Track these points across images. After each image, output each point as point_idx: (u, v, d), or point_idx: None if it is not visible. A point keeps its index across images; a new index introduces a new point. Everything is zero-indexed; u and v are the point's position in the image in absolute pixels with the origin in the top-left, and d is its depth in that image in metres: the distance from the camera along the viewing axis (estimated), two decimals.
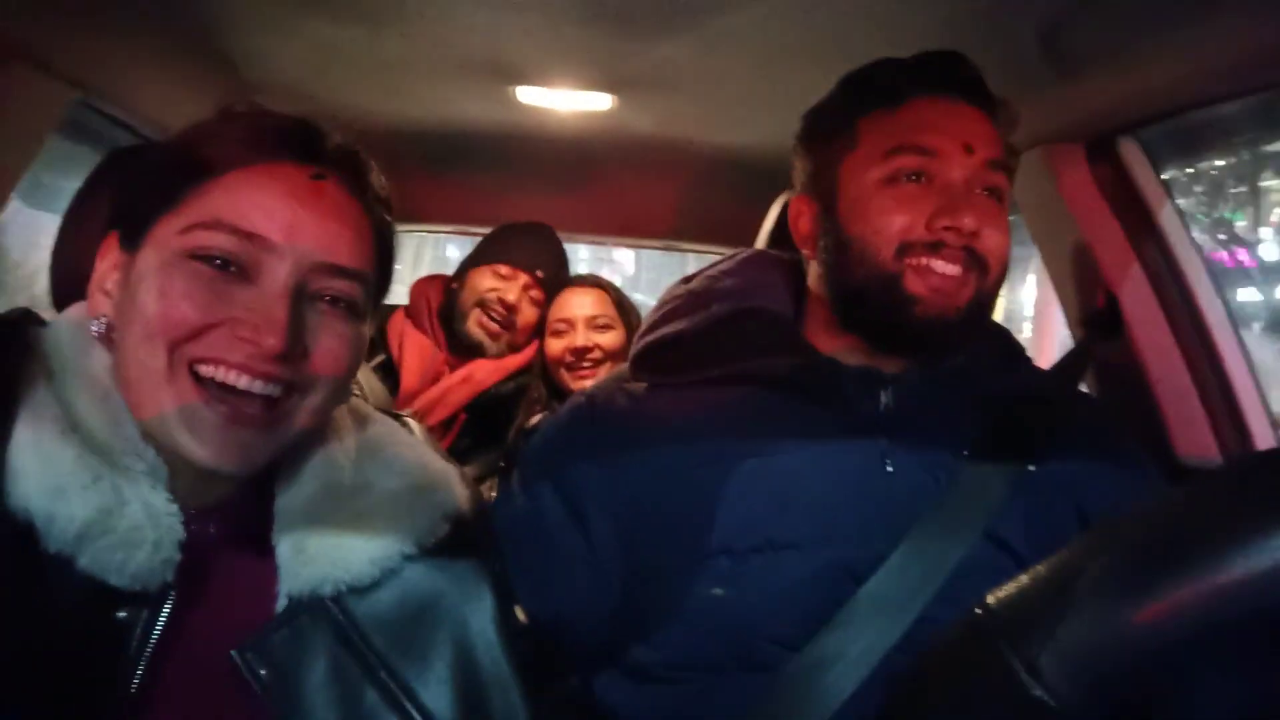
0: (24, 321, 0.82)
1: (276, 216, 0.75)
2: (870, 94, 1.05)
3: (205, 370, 0.73)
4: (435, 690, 0.82)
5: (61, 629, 0.69)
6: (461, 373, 2.02)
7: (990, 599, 0.51)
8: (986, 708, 0.47)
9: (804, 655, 0.92)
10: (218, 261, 0.74)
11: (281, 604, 0.80)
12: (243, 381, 0.73)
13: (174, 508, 0.74)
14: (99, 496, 0.70)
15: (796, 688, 0.91)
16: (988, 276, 1.01)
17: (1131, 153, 1.41)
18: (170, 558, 0.73)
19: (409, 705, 0.80)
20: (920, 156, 1.00)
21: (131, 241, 0.77)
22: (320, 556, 0.80)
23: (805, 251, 1.11)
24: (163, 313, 0.72)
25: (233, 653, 0.76)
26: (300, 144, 0.79)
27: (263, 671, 0.76)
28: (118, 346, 0.76)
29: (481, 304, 2.02)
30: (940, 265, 0.99)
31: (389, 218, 0.86)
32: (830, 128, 1.08)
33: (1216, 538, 0.45)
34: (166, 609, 0.73)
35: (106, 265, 0.79)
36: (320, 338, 0.77)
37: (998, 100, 1.05)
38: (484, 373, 2.02)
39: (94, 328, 0.78)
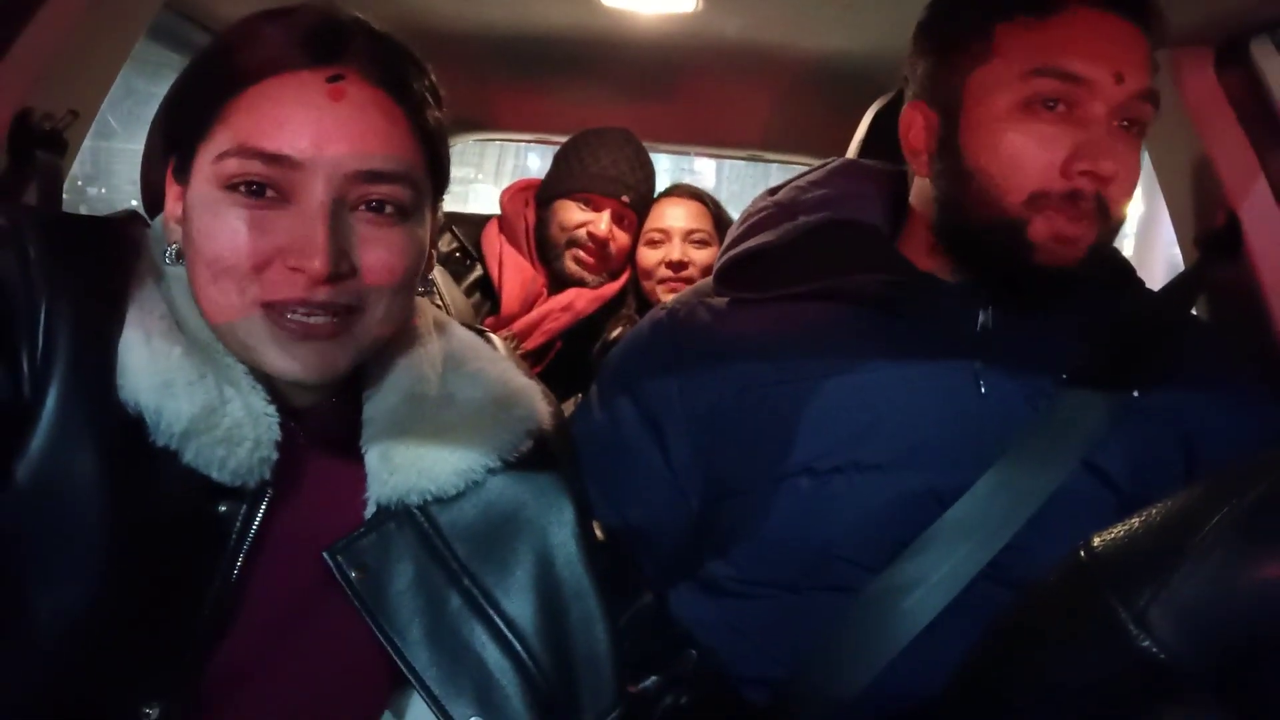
0: (132, 222, 0.84)
1: (299, 131, 0.72)
2: None
3: (269, 295, 0.73)
4: (516, 597, 0.84)
5: (168, 519, 0.72)
6: (562, 300, 1.99)
7: (1096, 541, 0.48)
8: (1089, 656, 0.45)
9: (883, 578, 0.91)
10: (254, 188, 0.72)
11: (370, 511, 0.82)
12: (300, 313, 0.73)
13: (272, 408, 0.77)
14: (204, 394, 0.73)
15: (874, 610, 0.90)
16: (1110, 221, 0.93)
17: (1267, 57, 1.29)
18: (268, 456, 0.75)
19: (491, 611, 0.83)
20: (1066, 83, 0.89)
21: (183, 173, 0.77)
22: (406, 466, 0.82)
23: (914, 166, 1.03)
24: (215, 256, 0.72)
25: (324, 554, 0.79)
26: (316, 45, 0.75)
27: (353, 574, 0.79)
28: (191, 280, 0.76)
29: (573, 242, 1.97)
30: (1072, 217, 0.91)
31: (433, 108, 0.82)
32: (962, 28, 0.96)
33: None
34: (264, 506, 0.76)
35: (171, 197, 0.79)
36: (370, 249, 0.75)
37: (1155, 11, 0.93)
38: (584, 301, 1.99)
39: (167, 258, 0.78)
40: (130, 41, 1.32)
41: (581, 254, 1.97)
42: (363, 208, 0.75)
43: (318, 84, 0.73)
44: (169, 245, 0.78)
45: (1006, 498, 0.91)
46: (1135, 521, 0.48)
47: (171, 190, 0.79)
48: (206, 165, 0.73)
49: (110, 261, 0.76)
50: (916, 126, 1.01)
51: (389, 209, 0.76)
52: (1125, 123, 0.91)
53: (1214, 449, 0.95)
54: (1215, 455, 0.95)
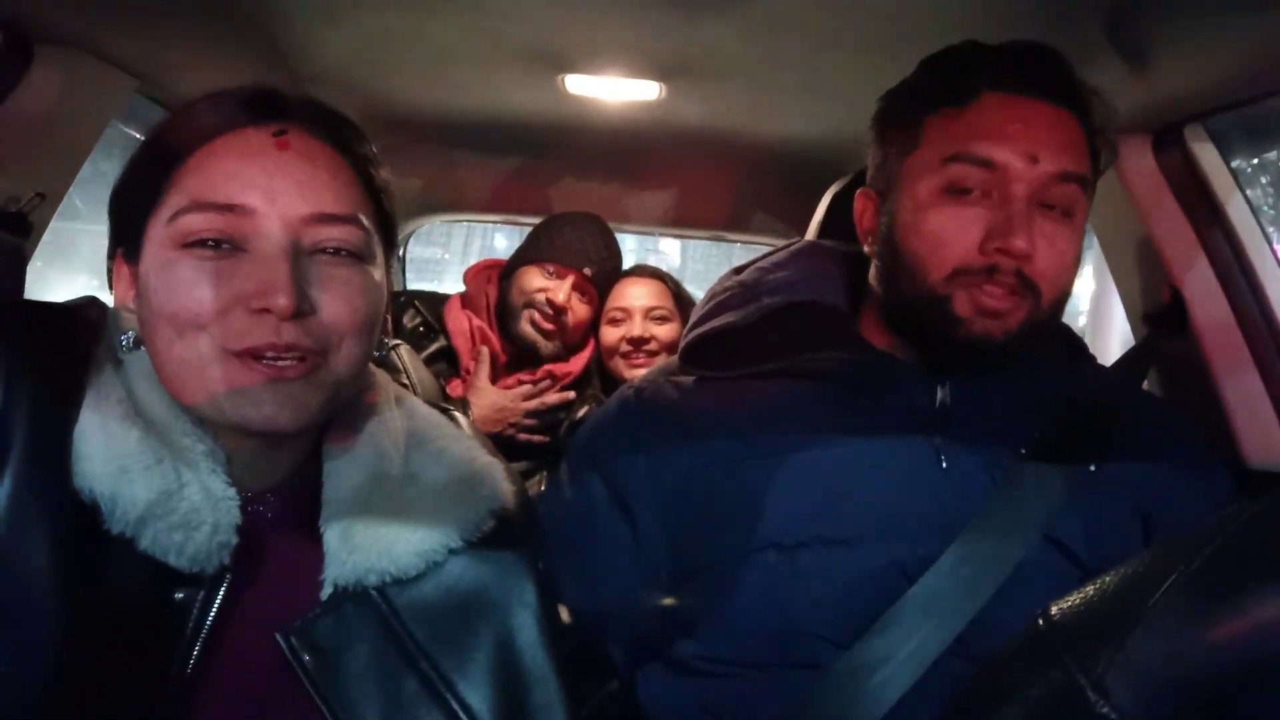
0: (91, 307, 0.84)
1: (249, 181, 0.74)
2: (939, 87, 0.98)
3: (232, 345, 0.74)
4: (476, 683, 0.82)
5: (122, 609, 0.70)
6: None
7: (1054, 610, 0.49)
8: None
9: (852, 654, 0.90)
10: (210, 244, 0.73)
11: (327, 591, 0.80)
12: (268, 358, 0.74)
13: (231, 491, 0.76)
14: (161, 477, 0.72)
15: (844, 687, 0.89)
16: (1041, 300, 0.95)
17: (1199, 142, 1.35)
18: (227, 541, 0.74)
19: (449, 697, 0.81)
20: (978, 168, 0.93)
21: (133, 254, 0.78)
22: (366, 546, 0.81)
23: (866, 247, 1.07)
24: (179, 306, 0.73)
25: (278, 636, 0.77)
26: (259, 105, 0.78)
27: (307, 657, 0.77)
28: (152, 351, 0.76)
29: (530, 304, 1.98)
30: (992, 289, 0.93)
31: (376, 165, 0.85)
32: (899, 121, 1.02)
33: None
34: (222, 591, 0.75)
35: (123, 285, 0.80)
36: (329, 289, 0.76)
37: (1087, 97, 0.97)
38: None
39: (124, 343, 0.79)
40: (100, 125, 1.34)
41: (537, 316, 1.98)
42: (320, 253, 0.76)
43: (264, 138, 0.76)
44: (123, 334, 0.79)
45: (970, 572, 0.91)
46: (1091, 589, 0.49)
47: (121, 276, 0.80)
48: (160, 230, 0.75)
49: (67, 348, 0.76)
50: (867, 211, 1.06)
51: (345, 253, 0.77)
52: (1049, 205, 0.94)
53: (1168, 519, 0.97)
54: (1169, 525, 0.97)
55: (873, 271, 1.06)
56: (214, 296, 0.73)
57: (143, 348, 0.78)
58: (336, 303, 0.76)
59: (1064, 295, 0.98)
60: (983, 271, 0.93)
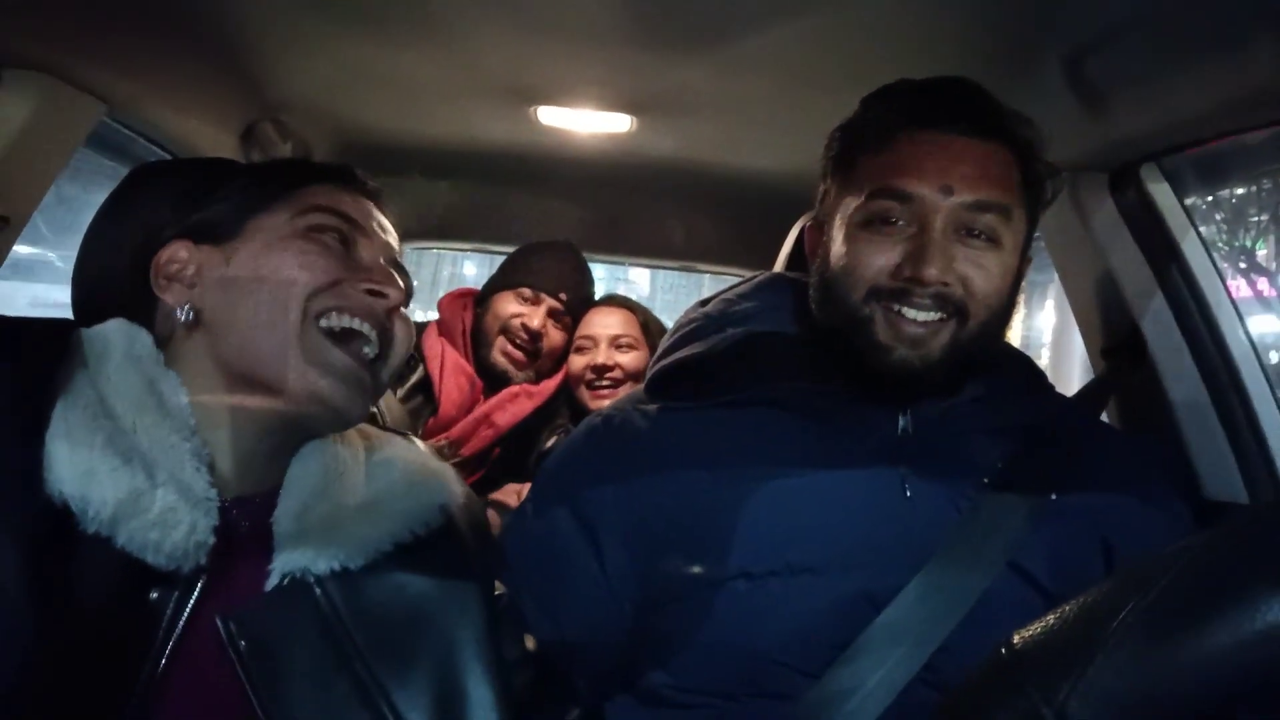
0: (59, 322, 0.85)
1: (356, 209, 0.91)
2: (867, 128, 1.03)
3: (328, 321, 0.83)
4: (412, 692, 0.83)
5: (98, 608, 0.71)
6: (501, 398, 1.98)
7: (1016, 639, 0.50)
8: None
9: (820, 685, 0.90)
10: (332, 234, 0.87)
11: (273, 581, 0.81)
12: (357, 323, 0.84)
13: (213, 492, 0.78)
14: (129, 479, 0.73)
15: (814, 717, 0.89)
16: (966, 322, 0.97)
17: (1155, 181, 1.39)
18: (204, 540, 0.76)
19: (381, 703, 0.81)
20: (894, 201, 0.97)
21: (216, 238, 0.85)
22: (315, 535, 0.83)
23: (814, 277, 1.09)
24: (297, 274, 0.83)
25: (217, 619, 0.77)
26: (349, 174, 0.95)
27: (243, 643, 0.77)
28: (220, 324, 0.82)
29: (505, 330, 1.98)
30: (910, 312, 0.96)
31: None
32: (839, 157, 1.07)
33: (1250, 581, 0.44)
34: (196, 592, 0.76)
35: (181, 260, 0.85)
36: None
37: (1015, 126, 1.00)
38: (519, 404, 1.98)
39: (180, 315, 0.83)
40: (68, 150, 1.33)
41: (509, 346, 1.97)
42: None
43: (351, 186, 0.96)
44: (179, 307, 0.84)
45: (937, 600, 0.92)
46: (1052, 618, 0.50)
47: (180, 256, 0.86)
48: (282, 222, 0.87)
49: (36, 359, 0.77)
50: (813, 242, 1.10)
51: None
52: (966, 232, 0.97)
53: (1128, 547, 0.98)
54: (1130, 553, 0.99)
55: (810, 299, 1.08)
56: (334, 267, 0.86)
57: (143, 339, 0.82)
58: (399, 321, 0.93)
59: (994, 315, 0.99)
60: (894, 293, 0.96)
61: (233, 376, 0.83)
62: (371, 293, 0.86)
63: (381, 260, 0.90)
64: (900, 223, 0.97)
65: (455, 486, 0.96)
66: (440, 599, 0.88)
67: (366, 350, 0.86)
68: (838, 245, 1.01)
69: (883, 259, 0.97)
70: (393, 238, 0.94)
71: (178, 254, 0.86)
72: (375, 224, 0.92)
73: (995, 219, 0.97)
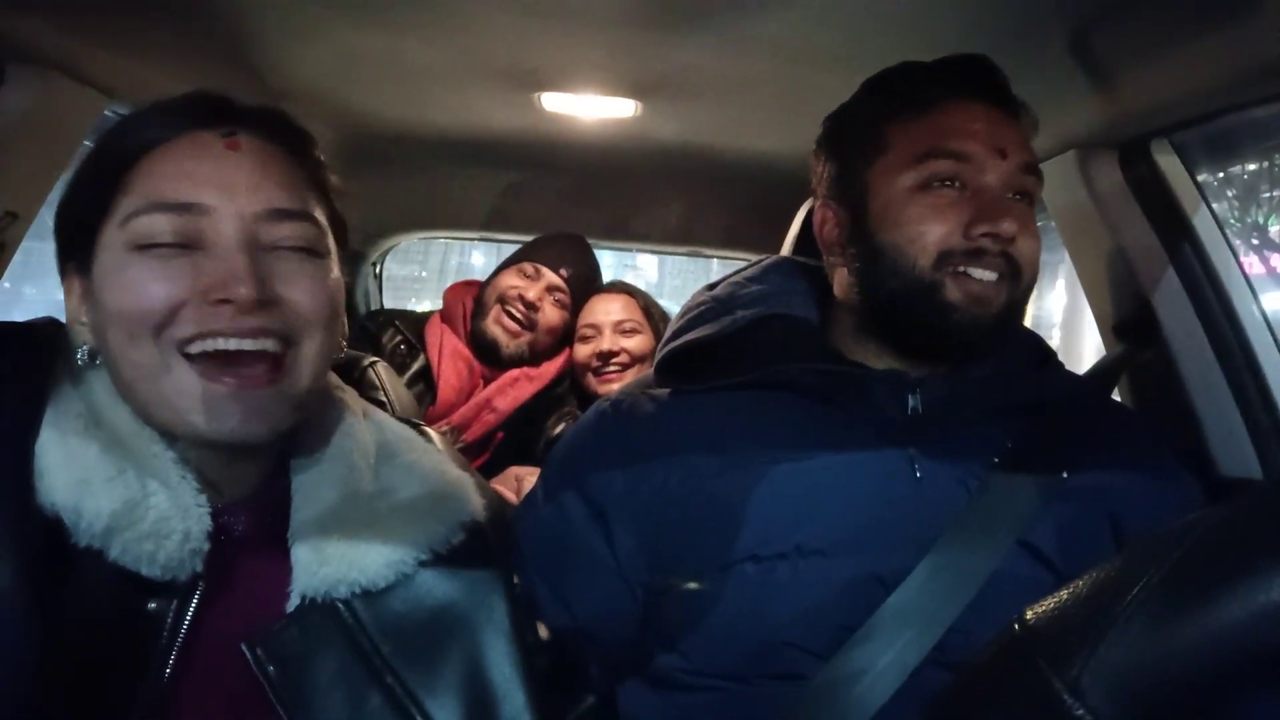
0: (50, 326, 0.83)
1: (203, 179, 0.75)
2: (897, 99, 1.03)
3: (195, 348, 0.74)
4: (442, 698, 0.82)
5: (96, 621, 0.70)
6: (502, 381, 2.00)
7: (1029, 615, 0.50)
8: None
9: (831, 667, 0.91)
10: (166, 243, 0.74)
11: (294, 603, 0.80)
12: (233, 344, 0.73)
13: (202, 499, 0.76)
14: (124, 489, 0.72)
15: (825, 698, 0.89)
16: (1020, 282, 0.99)
17: (1165, 156, 1.38)
18: (199, 548, 0.74)
19: (414, 711, 0.81)
20: (954, 161, 0.98)
21: (85, 266, 0.77)
22: (336, 559, 0.81)
23: (831, 258, 1.09)
24: (132, 304, 0.73)
25: (244, 646, 0.77)
26: (205, 111, 0.79)
27: (272, 668, 0.77)
28: (107, 362, 0.76)
29: (502, 300, 2.01)
30: (979, 273, 0.97)
31: (325, 168, 0.86)
32: (856, 132, 1.06)
33: (1263, 555, 0.44)
34: (195, 600, 0.74)
35: (75, 301, 0.80)
36: (290, 282, 0.77)
37: (1021, 104, 1.03)
38: (519, 388, 2.01)
39: (79, 359, 0.78)
40: (74, 144, 1.33)
41: (503, 316, 2.00)
42: (276, 249, 0.77)
43: (213, 140, 0.77)
44: (79, 348, 0.78)
45: (947, 580, 0.92)
46: (1065, 594, 0.49)
47: (73, 291, 0.80)
48: (113, 236, 0.75)
49: (25, 366, 0.76)
50: (829, 222, 1.08)
51: (301, 248, 0.78)
52: (1018, 195, 1.00)
53: (1139, 524, 0.98)
54: (1140, 530, 0.98)
55: (842, 280, 1.08)
56: (170, 290, 0.73)
57: (99, 360, 0.78)
58: (299, 294, 0.77)
59: (1035, 279, 1.02)
60: (969, 254, 0.96)
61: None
62: (222, 301, 0.73)
63: (233, 240, 0.74)
64: (957, 184, 0.98)
65: (475, 498, 0.93)
66: (465, 603, 0.87)
67: (248, 371, 0.74)
68: (885, 214, 1.00)
69: (948, 219, 0.97)
70: (261, 183, 0.77)
71: (72, 288, 0.80)
72: (222, 188, 0.75)
73: (1035, 182, 1.01)
